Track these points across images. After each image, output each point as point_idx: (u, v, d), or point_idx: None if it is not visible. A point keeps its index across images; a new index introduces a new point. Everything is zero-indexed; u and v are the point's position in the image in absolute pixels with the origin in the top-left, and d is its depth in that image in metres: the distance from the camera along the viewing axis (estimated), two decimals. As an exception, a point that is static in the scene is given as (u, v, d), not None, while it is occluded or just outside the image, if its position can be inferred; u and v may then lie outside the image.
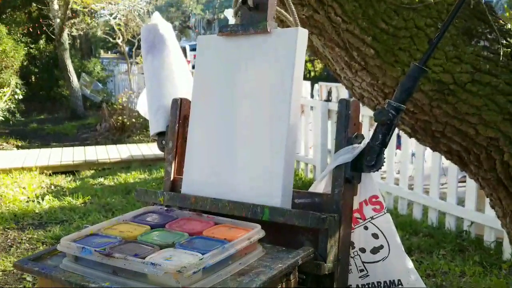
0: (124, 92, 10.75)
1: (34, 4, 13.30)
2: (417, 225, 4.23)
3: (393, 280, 1.28)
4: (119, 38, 10.65)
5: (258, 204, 1.22)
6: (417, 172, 4.43)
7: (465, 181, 3.99)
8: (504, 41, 1.50)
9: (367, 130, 4.71)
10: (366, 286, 1.30)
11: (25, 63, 12.18)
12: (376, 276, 1.29)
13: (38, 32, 13.12)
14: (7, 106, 9.44)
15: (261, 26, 1.28)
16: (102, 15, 11.80)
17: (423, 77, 1.29)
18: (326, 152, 5.52)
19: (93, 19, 12.23)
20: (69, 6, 10.46)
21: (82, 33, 12.78)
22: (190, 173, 1.39)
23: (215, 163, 1.34)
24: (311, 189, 1.35)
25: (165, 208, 1.32)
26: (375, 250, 1.28)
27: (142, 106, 1.81)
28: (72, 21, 11.38)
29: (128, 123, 9.36)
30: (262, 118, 1.27)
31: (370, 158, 1.20)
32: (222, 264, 1.00)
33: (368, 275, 1.29)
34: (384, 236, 1.28)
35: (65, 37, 11.49)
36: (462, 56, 1.47)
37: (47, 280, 1.06)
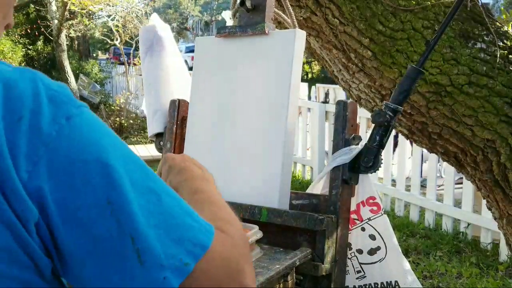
0: (122, 93, 10.75)
1: (32, 6, 13.29)
2: (414, 226, 4.24)
3: (390, 281, 1.29)
4: (117, 40, 10.65)
5: (256, 205, 1.22)
6: (414, 174, 4.44)
7: (462, 183, 4.00)
8: (501, 43, 1.51)
9: (365, 132, 4.72)
10: (363, 287, 1.30)
11: (23, 64, 12.16)
12: (373, 277, 1.29)
13: (36, 33, 13.11)
14: (5, 107, 9.41)
15: (259, 28, 1.28)
16: (100, 16, 11.81)
17: (420, 78, 1.29)
18: (324, 154, 5.53)
19: (91, 21, 12.23)
20: (67, 8, 10.46)
21: (80, 34, 12.78)
22: (188, 174, 1.39)
23: (213, 164, 1.34)
24: (308, 190, 1.36)
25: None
26: (372, 252, 1.29)
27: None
28: (70, 22, 11.37)
29: (125, 124, 9.36)
30: (260, 119, 1.27)
31: (368, 160, 1.21)
32: (219, 265, 1.00)
33: (365, 276, 1.30)
34: (381, 238, 1.28)
35: (63, 39, 11.48)
36: (459, 58, 1.47)
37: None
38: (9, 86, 0.53)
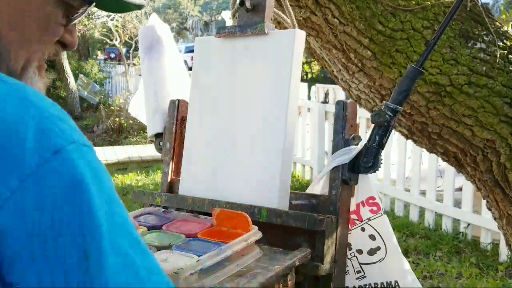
0: (121, 93, 10.75)
1: (31, 5, 13.27)
2: (413, 226, 4.24)
3: (390, 282, 1.29)
4: (116, 40, 10.65)
5: (255, 206, 1.22)
6: (413, 174, 4.44)
7: (461, 189, 3.99)
8: (501, 43, 1.51)
9: (364, 132, 4.72)
10: (363, 287, 1.30)
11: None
12: (373, 277, 1.29)
13: (35, 33, 13.08)
14: (4, 107, 9.41)
15: (259, 28, 1.28)
16: (99, 16, 11.80)
17: (420, 79, 1.29)
18: (323, 154, 5.53)
19: (90, 21, 12.22)
20: (66, 7, 10.45)
21: (79, 34, 12.77)
22: (187, 174, 1.39)
23: (212, 164, 1.34)
24: (308, 191, 1.35)
25: (162, 210, 1.32)
26: (372, 252, 1.29)
27: (134, 108, 1.81)
28: (69, 22, 11.36)
29: (125, 124, 9.35)
30: (259, 119, 1.27)
31: (367, 160, 1.21)
32: (219, 266, 1.00)
33: (365, 276, 1.29)
34: (381, 238, 1.28)
35: (62, 38, 11.47)
36: (459, 58, 1.47)
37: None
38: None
